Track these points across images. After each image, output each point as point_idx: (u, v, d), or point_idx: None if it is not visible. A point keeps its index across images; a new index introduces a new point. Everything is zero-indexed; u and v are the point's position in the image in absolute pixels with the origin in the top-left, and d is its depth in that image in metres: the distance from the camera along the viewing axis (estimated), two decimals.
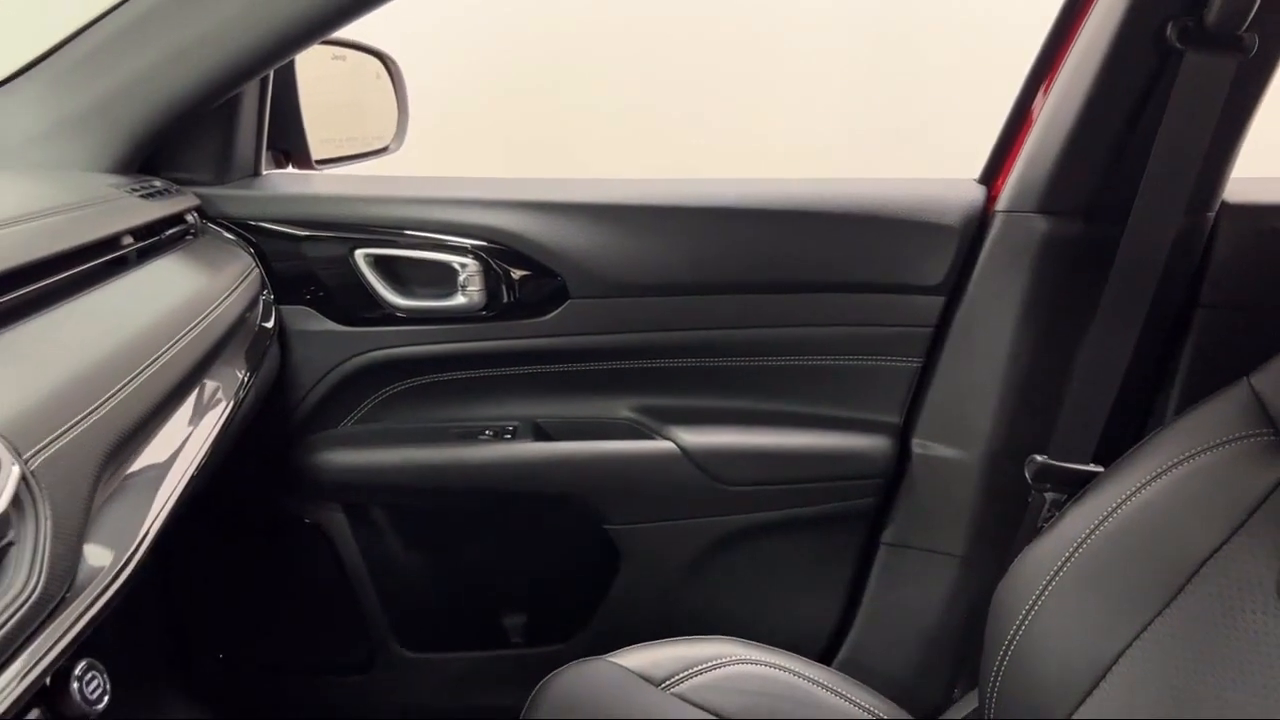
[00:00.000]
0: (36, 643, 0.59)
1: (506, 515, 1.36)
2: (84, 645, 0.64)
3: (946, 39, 2.58)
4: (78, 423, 0.70)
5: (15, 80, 1.09)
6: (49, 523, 0.63)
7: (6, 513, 0.57)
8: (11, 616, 0.55)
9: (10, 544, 0.59)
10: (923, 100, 2.70)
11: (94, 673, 0.67)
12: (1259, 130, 1.17)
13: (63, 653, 0.61)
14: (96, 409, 0.74)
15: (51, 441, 0.66)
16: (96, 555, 0.69)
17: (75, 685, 0.65)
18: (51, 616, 0.61)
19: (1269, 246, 1.20)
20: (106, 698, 0.67)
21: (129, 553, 0.73)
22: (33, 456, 0.63)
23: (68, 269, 0.85)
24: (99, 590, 0.67)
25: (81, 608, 0.65)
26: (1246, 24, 1.00)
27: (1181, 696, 0.84)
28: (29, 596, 0.57)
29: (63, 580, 0.63)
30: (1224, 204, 1.19)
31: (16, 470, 0.59)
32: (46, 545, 0.62)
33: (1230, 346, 1.14)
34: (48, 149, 1.07)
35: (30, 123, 1.07)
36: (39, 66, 1.08)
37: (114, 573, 0.70)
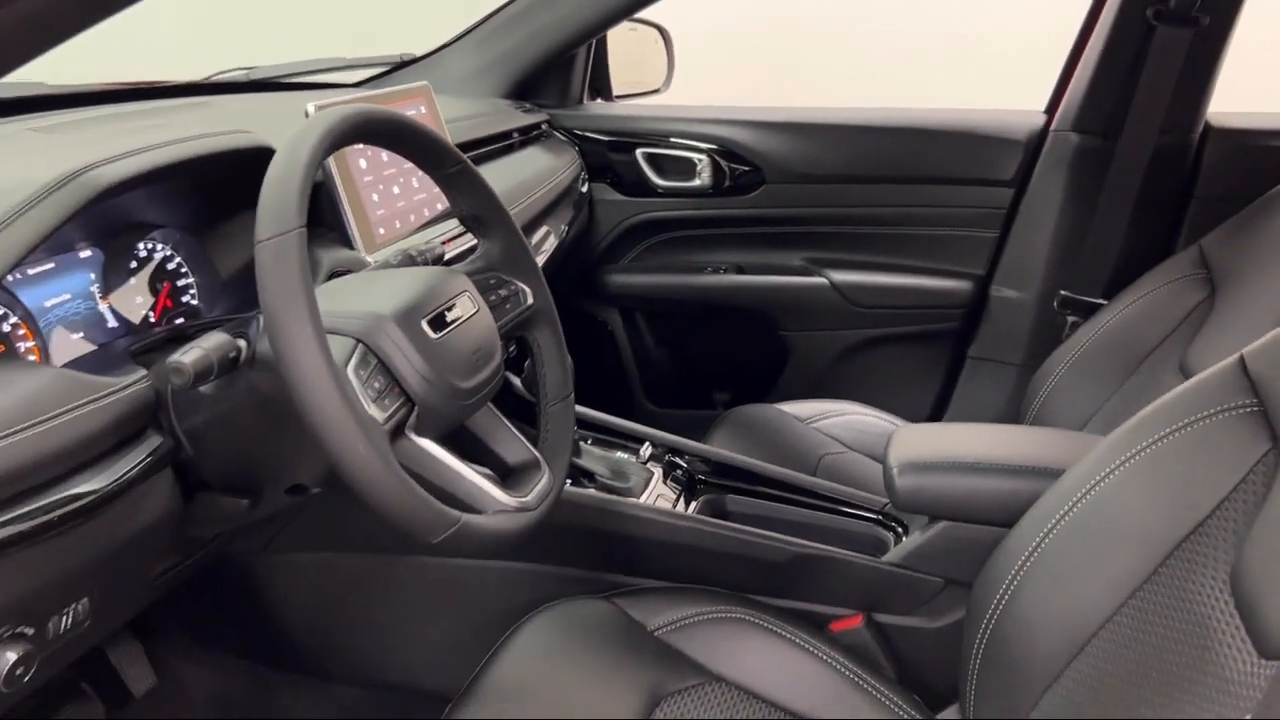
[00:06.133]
0: None
1: (718, 322, 2.08)
2: None
3: None
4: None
5: (457, 42, 1.91)
6: None
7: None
8: None
9: None
10: None
11: None
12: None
13: None
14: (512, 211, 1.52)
15: None
16: None
17: None
18: None
19: (1245, 157, 1.71)
20: None
21: None
22: None
23: (490, 145, 1.65)
24: None
25: None
26: (1198, 6, 1.54)
27: None
28: None
29: None
30: (1209, 126, 1.70)
31: None
32: None
33: (1216, 225, 1.56)
34: (473, 83, 1.89)
35: (463, 67, 1.89)
36: (470, 34, 1.90)
37: None
